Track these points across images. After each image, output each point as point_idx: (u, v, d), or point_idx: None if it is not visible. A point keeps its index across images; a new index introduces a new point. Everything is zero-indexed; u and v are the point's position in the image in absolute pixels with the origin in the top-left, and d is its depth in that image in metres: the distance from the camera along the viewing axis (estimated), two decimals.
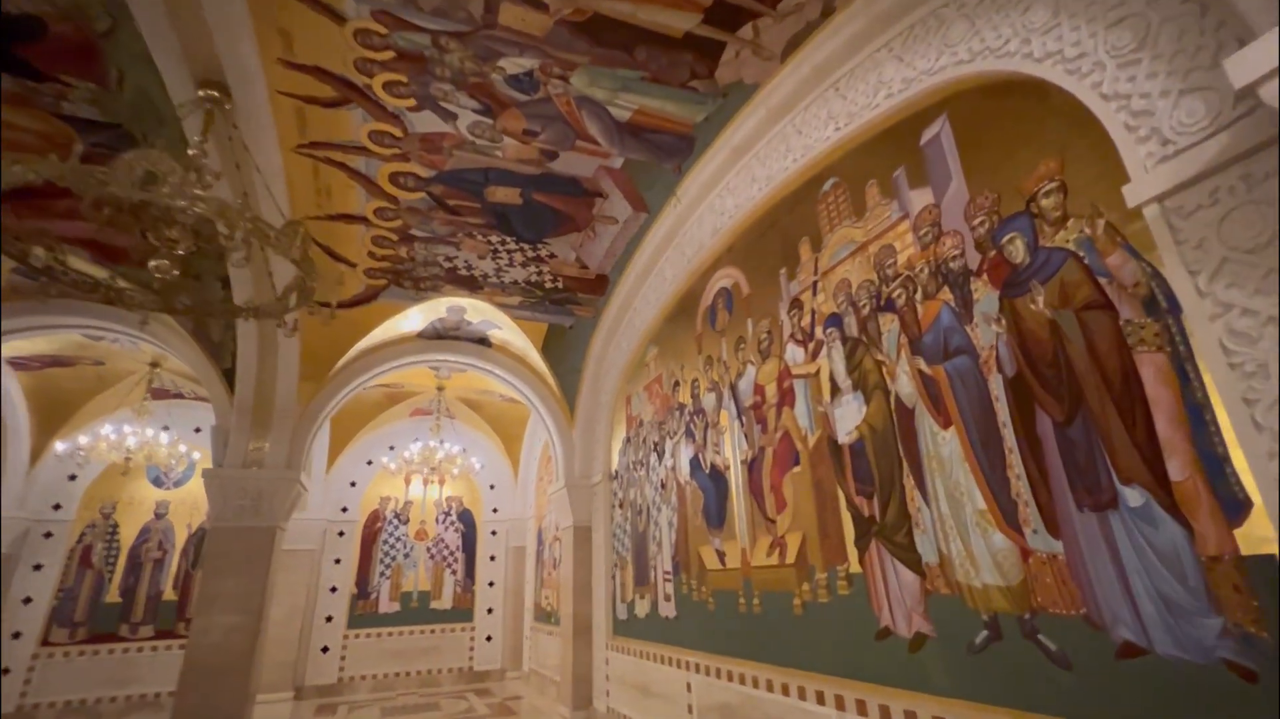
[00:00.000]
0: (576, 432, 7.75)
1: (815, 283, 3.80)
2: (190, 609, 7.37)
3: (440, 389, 9.59)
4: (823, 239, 3.78)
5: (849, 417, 3.38)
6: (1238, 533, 1.78)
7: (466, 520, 11.02)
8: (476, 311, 6.98)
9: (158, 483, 9.30)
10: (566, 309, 6.91)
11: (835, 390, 3.51)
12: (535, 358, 7.73)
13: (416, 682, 9.71)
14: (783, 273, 4.14)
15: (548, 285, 6.48)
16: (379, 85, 3.84)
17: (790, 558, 3.74)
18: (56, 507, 8.67)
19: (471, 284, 6.38)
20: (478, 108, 4.09)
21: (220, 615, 5.77)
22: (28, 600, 8.25)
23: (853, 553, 3.25)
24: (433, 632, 10.10)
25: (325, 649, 9.44)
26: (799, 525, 3.70)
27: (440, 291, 6.46)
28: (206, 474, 6.05)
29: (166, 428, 8.93)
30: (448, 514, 10.93)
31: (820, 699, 3.29)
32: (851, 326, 3.45)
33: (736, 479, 4.44)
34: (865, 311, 3.35)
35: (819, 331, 3.71)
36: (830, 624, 3.35)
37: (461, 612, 10.41)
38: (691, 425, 5.22)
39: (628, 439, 6.75)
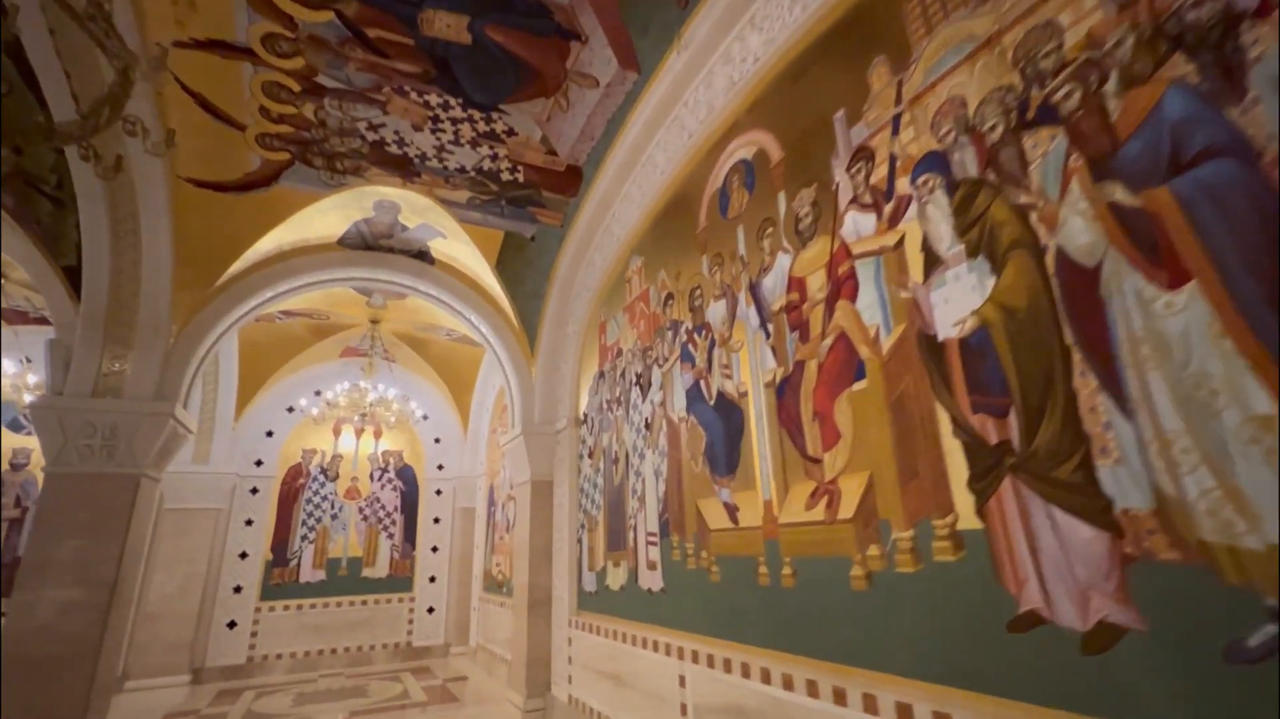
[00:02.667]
0: (537, 369, 6.48)
1: (898, 116, 2.60)
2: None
3: (374, 323, 8.10)
4: (912, 51, 2.57)
5: (961, 297, 2.23)
6: None
7: (407, 478, 9.65)
8: (413, 211, 5.55)
9: (16, 427, 7.57)
10: (528, 213, 5.55)
11: (934, 263, 2.36)
12: (489, 278, 6.37)
13: (344, 660, 8.43)
14: (839, 116, 2.93)
15: (505, 178, 5.11)
16: None
17: (846, 510, 2.62)
18: None
19: (405, 167, 4.95)
20: None
21: (51, 589, 4.35)
22: None
23: (963, 500, 2.14)
24: (364, 603, 8.80)
25: (232, 624, 8.04)
26: (862, 464, 2.58)
27: (363, 176, 5.00)
28: (35, 405, 4.53)
29: (29, 359, 7.21)
30: (384, 471, 9.53)
31: (906, 715, 2.20)
32: (966, 165, 2.28)
33: (758, 408, 3.28)
34: (996, 136, 2.18)
35: (903, 185, 2.53)
36: (918, 605, 2.25)
37: (399, 580, 9.12)
38: (690, 347, 4.02)
39: (600, 375, 5.52)
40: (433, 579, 9.29)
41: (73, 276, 4.74)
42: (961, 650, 2.07)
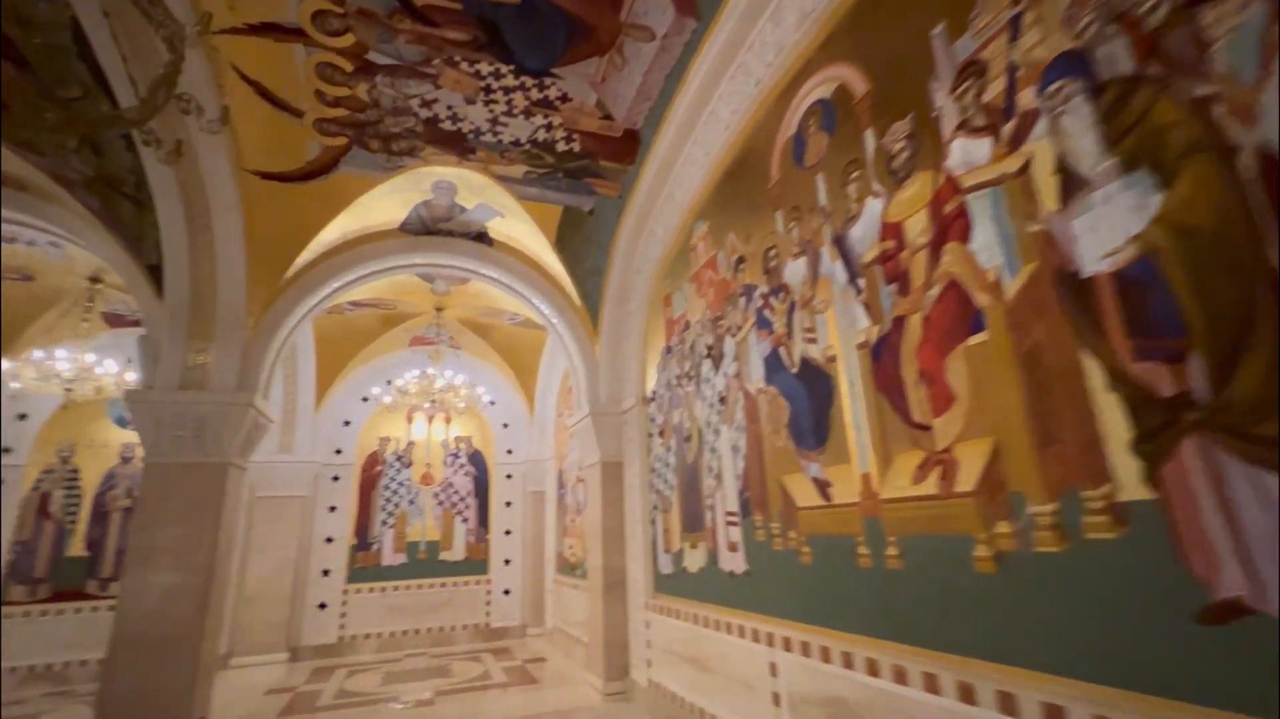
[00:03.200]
0: (602, 348, 6.31)
1: (1017, 16, 2.20)
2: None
3: (439, 310, 8.17)
4: None
5: (1113, 223, 1.84)
6: None
7: (478, 463, 9.79)
8: (470, 190, 5.45)
9: (123, 423, 8.12)
10: (585, 184, 5.35)
11: (1074, 186, 1.97)
12: (548, 257, 6.24)
13: (427, 640, 8.69)
14: (938, 32, 2.54)
15: (560, 148, 4.92)
16: None
17: (965, 483, 2.28)
18: (6, 449, 7.54)
19: (459, 144, 4.83)
20: None
21: (157, 574, 4.56)
22: None
23: (1125, 466, 1.78)
24: (443, 585, 9.02)
25: (322, 606, 8.41)
26: (984, 429, 2.23)
27: (419, 156, 4.92)
28: (131, 397, 4.74)
29: (130, 360, 7.69)
30: (456, 456, 9.70)
31: (1057, 717, 1.88)
32: (1115, 61, 1.87)
33: (850, 373, 2.96)
34: (1158, 17, 1.76)
35: (1026, 98, 2.14)
36: (1064, 590, 1.91)
37: (475, 563, 9.30)
38: (766, 312, 3.72)
39: (668, 350, 5.29)
40: (507, 562, 9.42)
41: (156, 275, 4.92)
42: (1128, 645, 1.73)
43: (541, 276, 6.46)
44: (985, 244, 2.27)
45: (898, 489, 2.61)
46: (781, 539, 3.41)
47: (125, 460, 8.04)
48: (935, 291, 2.48)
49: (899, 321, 2.67)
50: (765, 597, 3.52)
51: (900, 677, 2.48)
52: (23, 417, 7.72)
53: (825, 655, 2.95)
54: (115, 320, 7.78)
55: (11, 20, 3.00)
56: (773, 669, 3.35)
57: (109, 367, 6.70)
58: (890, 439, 2.68)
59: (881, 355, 2.76)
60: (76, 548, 7.56)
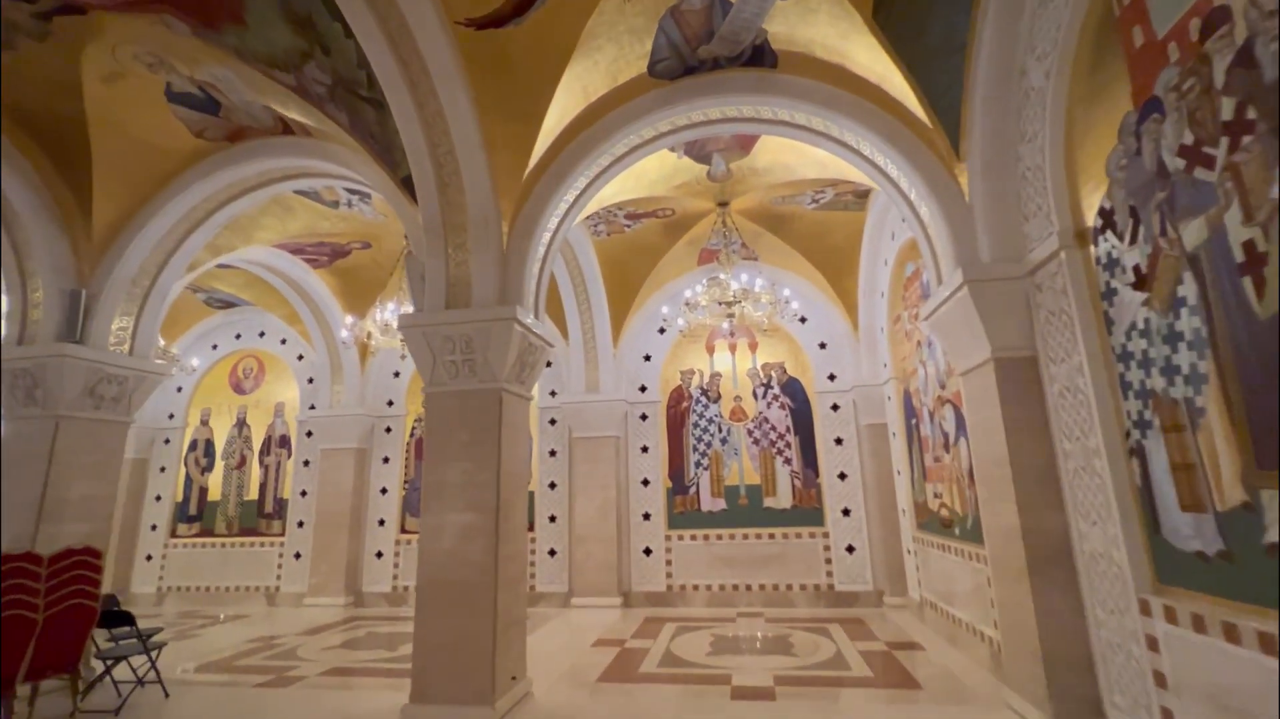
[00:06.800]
0: (973, 171, 3.84)
1: None
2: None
3: (723, 206, 6.60)
4: None
5: None
6: None
7: (795, 393, 8.06)
8: None
9: None
10: None
11: None
12: (861, 54, 4.02)
13: (761, 599, 7.45)
14: None
15: None
16: None
17: None
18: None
19: None
20: None
21: (449, 513, 4.05)
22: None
23: None
24: (771, 537, 7.64)
25: (648, 551, 7.87)
26: None
27: None
28: (403, 321, 4.32)
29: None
30: (767, 386, 8.14)
31: None
32: None
33: None
34: None
35: None
36: None
37: (806, 512, 7.66)
38: None
39: (1145, 112, 2.60)
40: (846, 512, 7.54)
41: (411, 188, 4.41)
42: None
43: (853, 90, 4.24)
44: None
45: None
46: None
47: None
48: None
49: None
50: None
51: None
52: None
53: None
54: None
55: None
56: None
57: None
58: None
59: None
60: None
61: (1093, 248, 3.10)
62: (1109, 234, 2.96)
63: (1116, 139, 2.84)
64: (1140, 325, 2.77)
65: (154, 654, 4.77)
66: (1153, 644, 2.74)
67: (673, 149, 5.47)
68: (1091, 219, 3.10)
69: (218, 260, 6.52)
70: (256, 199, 5.64)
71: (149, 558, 9.17)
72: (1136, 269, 2.77)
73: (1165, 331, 2.61)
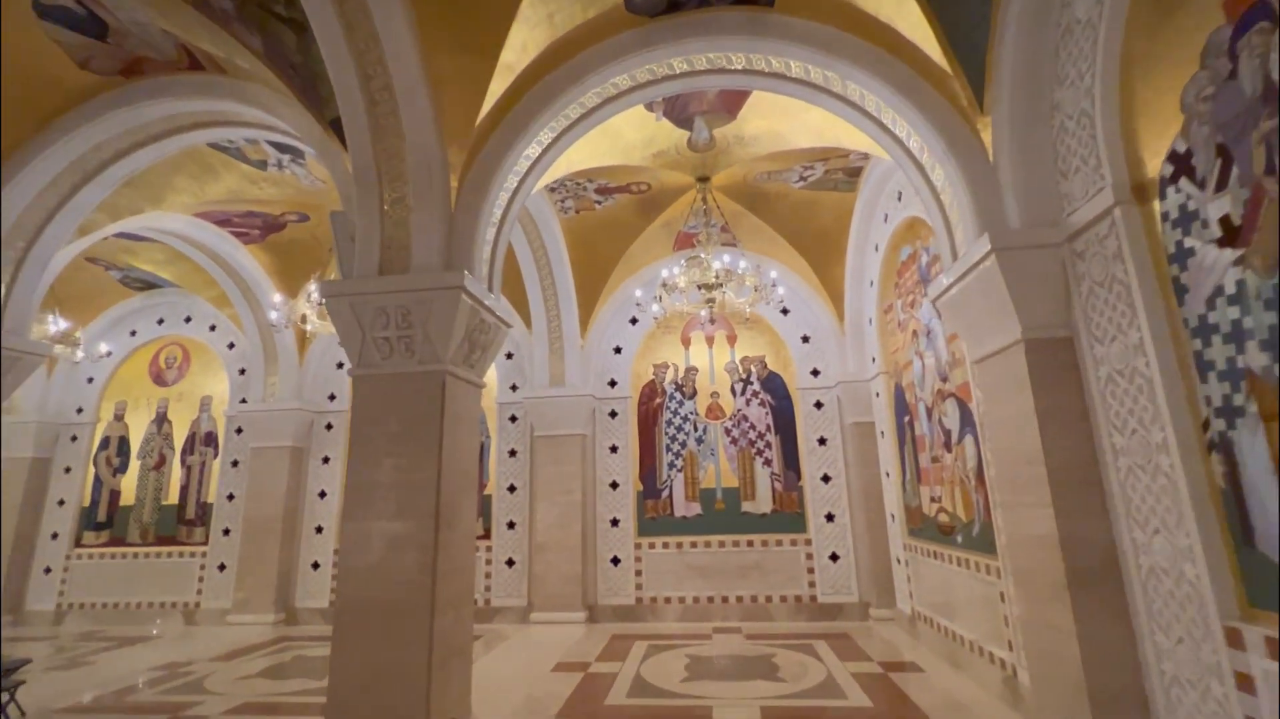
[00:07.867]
0: (1003, 125, 3.32)
1: None
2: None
3: (703, 182, 6.03)
4: None
5: None
6: None
7: (775, 389, 7.53)
8: None
9: None
10: None
11: None
12: None
13: (738, 612, 6.86)
14: None
15: None
16: None
17: None
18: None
19: None
20: None
21: (377, 519, 3.33)
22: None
23: None
24: (750, 544, 7.07)
25: (616, 561, 7.22)
26: None
27: None
28: (326, 289, 3.59)
29: None
30: (746, 382, 7.59)
31: None
32: None
33: None
34: None
35: None
36: None
37: (787, 518, 7.12)
38: None
39: (1242, 24, 2.09)
40: (830, 517, 7.02)
41: (340, 132, 3.69)
42: None
43: (862, 35, 3.69)
44: None
45: None
46: None
47: None
48: None
49: None
50: None
51: None
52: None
53: None
54: None
55: None
56: None
57: None
58: None
59: None
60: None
61: (1158, 202, 2.60)
62: (1183, 182, 2.45)
63: (1199, 64, 2.33)
64: (1230, 290, 2.25)
65: (13, 690, 3.91)
66: (1245, 683, 2.22)
67: (651, 108, 4.87)
68: (1156, 168, 2.60)
69: (120, 225, 5.62)
70: (164, 149, 4.80)
71: (48, 571, 8.08)
72: (1225, 221, 2.26)
73: (1268, 295, 2.10)
